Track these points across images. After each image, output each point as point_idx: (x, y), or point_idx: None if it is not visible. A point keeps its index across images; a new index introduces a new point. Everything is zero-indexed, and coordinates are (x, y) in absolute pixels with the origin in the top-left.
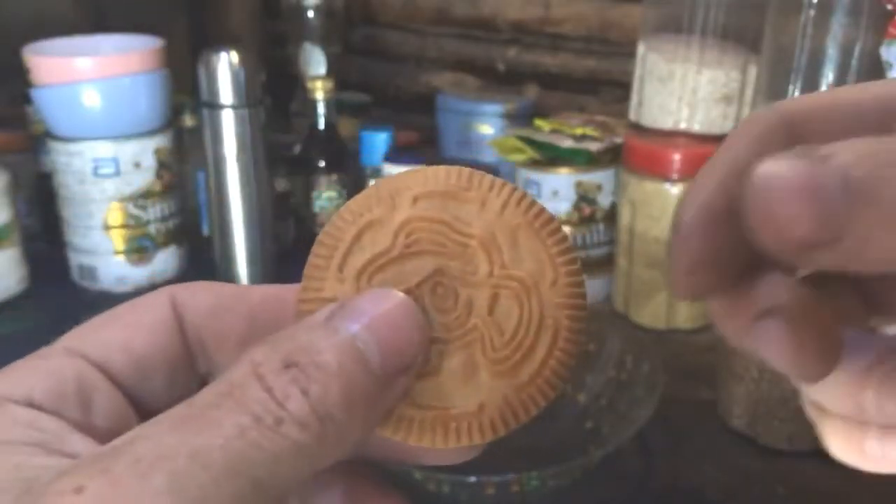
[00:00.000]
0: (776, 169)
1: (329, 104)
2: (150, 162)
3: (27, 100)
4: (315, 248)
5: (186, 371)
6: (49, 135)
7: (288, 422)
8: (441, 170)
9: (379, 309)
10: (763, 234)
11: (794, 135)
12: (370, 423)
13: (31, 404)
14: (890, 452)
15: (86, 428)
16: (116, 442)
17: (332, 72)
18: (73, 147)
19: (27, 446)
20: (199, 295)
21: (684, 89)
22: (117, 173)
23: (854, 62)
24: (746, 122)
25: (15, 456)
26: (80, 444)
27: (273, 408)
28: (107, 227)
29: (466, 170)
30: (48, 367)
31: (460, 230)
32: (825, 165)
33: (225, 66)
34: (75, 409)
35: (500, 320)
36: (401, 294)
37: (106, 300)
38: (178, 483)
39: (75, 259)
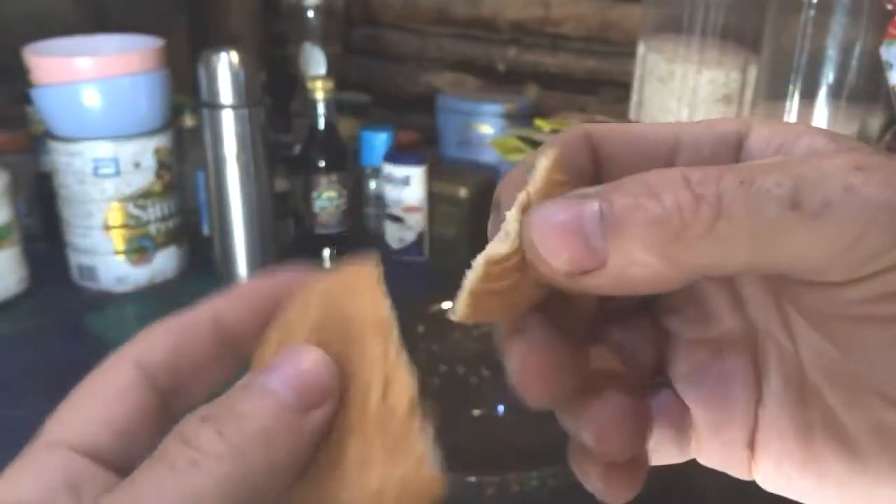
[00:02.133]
0: (544, 211)
1: (329, 104)
2: (150, 162)
3: (27, 100)
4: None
5: (168, 421)
6: (49, 135)
7: (202, 459)
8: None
9: (286, 360)
10: (540, 267)
11: (593, 152)
12: (298, 451)
13: None
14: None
15: None
16: None
17: (332, 72)
18: (73, 147)
19: None
20: (158, 347)
21: (684, 89)
22: (117, 173)
23: (854, 62)
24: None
25: None
26: None
27: (187, 452)
28: (107, 227)
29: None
30: (35, 469)
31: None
32: (584, 204)
33: (225, 66)
34: (67, 501)
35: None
36: (313, 352)
37: (106, 300)
38: None
39: (75, 259)
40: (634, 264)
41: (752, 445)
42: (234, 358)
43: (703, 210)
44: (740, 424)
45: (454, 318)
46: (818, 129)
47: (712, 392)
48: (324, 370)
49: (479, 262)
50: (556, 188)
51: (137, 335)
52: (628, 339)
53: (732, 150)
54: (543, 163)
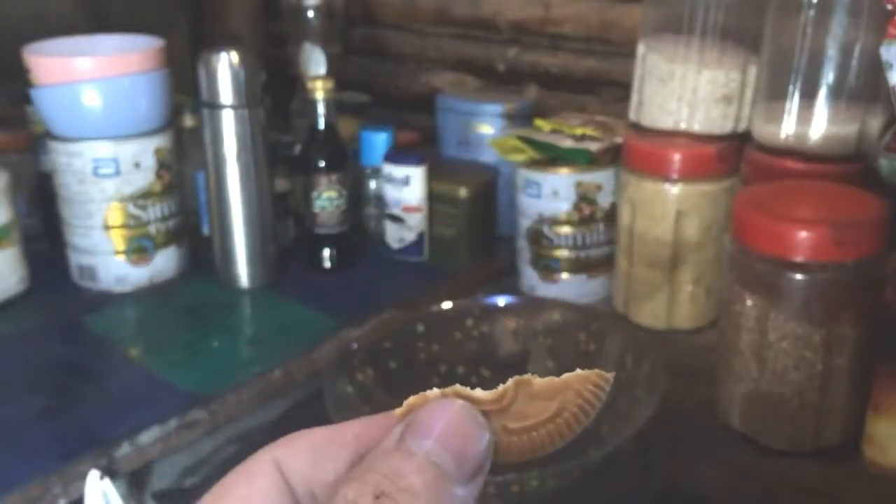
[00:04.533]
0: None
1: (329, 104)
2: (150, 162)
3: (27, 100)
4: None
5: None
6: (49, 135)
7: None
8: None
9: (442, 420)
10: None
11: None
12: None
13: None
14: None
15: None
16: None
17: (332, 72)
18: (73, 147)
19: None
20: (300, 453)
21: (684, 89)
22: (117, 173)
23: (854, 62)
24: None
25: None
26: None
27: None
28: (107, 227)
29: None
30: None
31: None
32: None
33: (225, 66)
34: None
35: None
36: (458, 401)
37: (106, 300)
38: None
39: (75, 259)
40: None
41: None
42: None
43: None
44: None
45: None
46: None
47: None
48: (485, 439)
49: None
50: None
51: (283, 440)
52: None
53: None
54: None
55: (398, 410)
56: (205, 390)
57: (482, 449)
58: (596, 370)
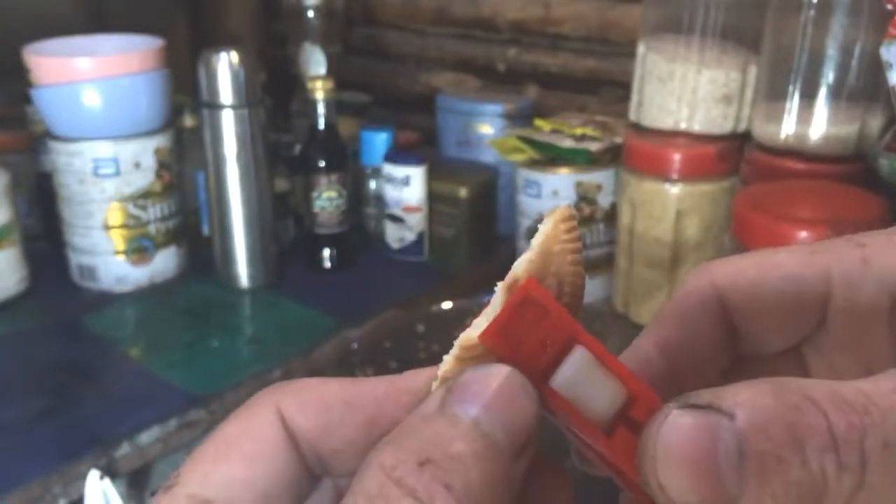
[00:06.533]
0: (675, 434)
1: (329, 104)
2: (150, 162)
3: (27, 100)
4: None
5: (308, 484)
6: (49, 135)
7: None
8: None
9: (490, 386)
10: (659, 496)
11: (724, 309)
12: (509, 497)
13: None
14: None
15: None
16: None
17: (332, 72)
18: (73, 147)
19: None
20: (310, 412)
21: (684, 89)
22: (117, 173)
23: (854, 62)
24: (681, 293)
25: None
26: None
27: None
28: (107, 227)
29: None
30: None
31: None
32: (718, 429)
33: (225, 66)
34: None
35: None
36: (506, 367)
37: (106, 300)
38: None
39: (75, 259)
40: None
41: None
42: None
43: (844, 481)
44: None
45: None
46: None
47: None
48: (528, 398)
49: (456, 344)
50: (555, 256)
51: (289, 388)
52: None
53: (891, 294)
54: (548, 224)
55: (435, 373)
56: (205, 390)
57: (532, 421)
58: (552, 217)
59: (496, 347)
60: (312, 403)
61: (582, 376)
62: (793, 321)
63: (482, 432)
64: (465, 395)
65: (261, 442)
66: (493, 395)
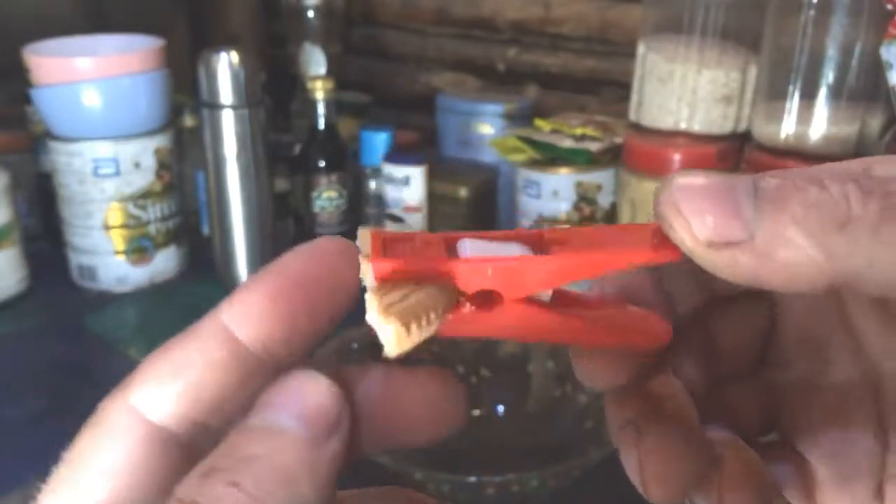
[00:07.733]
0: (691, 176)
1: (329, 104)
2: (150, 162)
3: (27, 100)
4: None
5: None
6: (49, 135)
7: None
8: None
9: (288, 391)
10: (678, 230)
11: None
12: (322, 487)
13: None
14: None
15: None
16: None
17: (332, 72)
18: (73, 147)
19: None
20: (257, 318)
21: (684, 89)
22: (117, 173)
23: (854, 62)
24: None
25: None
26: None
27: None
28: (107, 227)
29: None
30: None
31: None
32: (736, 177)
33: (225, 66)
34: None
35: None
36: (305, 370)
37: (106, 300)
38: None
39: (75, 259)
40: (784, 245)
41: (881, 496)
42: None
43: (871, 205)
44: (867, 474)
45: (391, 353)
46: None
47: (836, 444)
48: (329, 394)
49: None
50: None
51: (234, 296)
52: (737, 401)
53: None
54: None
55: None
56: None
57: (331, 404)
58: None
59: (393, 268)
60: (259, 311)
61: (482, 245)
62: None
63: (276, 427)
64: (266, 407)
65: (208, 357)
66: (283, 395)
